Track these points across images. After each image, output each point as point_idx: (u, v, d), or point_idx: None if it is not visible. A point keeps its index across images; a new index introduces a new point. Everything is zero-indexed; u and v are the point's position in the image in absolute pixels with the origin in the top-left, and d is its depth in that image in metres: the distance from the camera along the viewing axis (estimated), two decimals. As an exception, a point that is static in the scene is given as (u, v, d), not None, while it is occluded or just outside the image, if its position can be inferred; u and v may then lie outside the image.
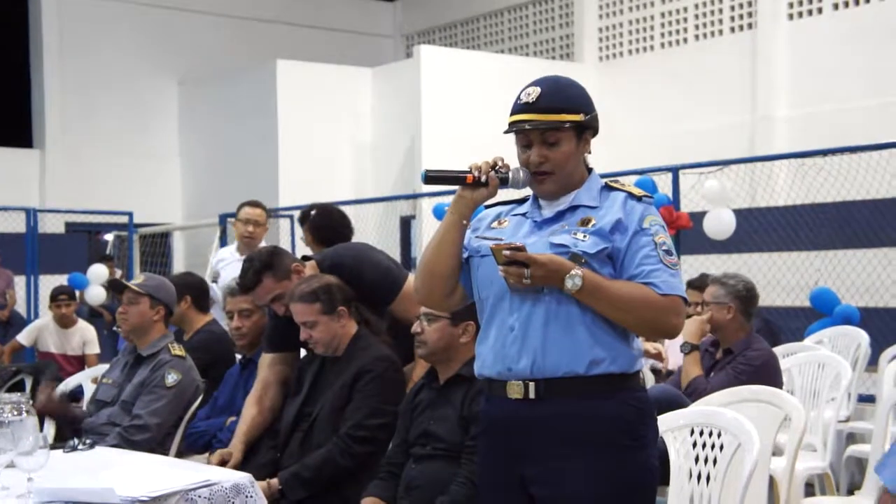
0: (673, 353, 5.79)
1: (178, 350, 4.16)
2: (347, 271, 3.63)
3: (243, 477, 2.78)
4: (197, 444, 4.05)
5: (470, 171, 2.35)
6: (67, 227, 12.93)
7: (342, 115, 13.36)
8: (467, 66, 12.91)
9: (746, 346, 4.25)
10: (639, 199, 2.35)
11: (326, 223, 4.47)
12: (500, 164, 2.36)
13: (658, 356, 5.84)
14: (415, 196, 11.16)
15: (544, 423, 2.28)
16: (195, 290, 4.85)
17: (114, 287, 4.51)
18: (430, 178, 2.36)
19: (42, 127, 13.97)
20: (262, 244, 6.00)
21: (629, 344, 2.33)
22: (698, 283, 5.61)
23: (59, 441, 3.98)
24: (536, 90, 2.33)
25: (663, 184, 7.16)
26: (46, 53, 13.96)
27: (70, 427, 4.13)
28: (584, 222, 2.32)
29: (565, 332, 2.27)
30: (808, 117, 11.00)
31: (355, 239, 9.12)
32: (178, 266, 13.73)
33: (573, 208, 2.36)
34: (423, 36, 16.46)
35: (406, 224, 12.46)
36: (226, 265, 5.86)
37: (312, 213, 4.62)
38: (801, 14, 11.60)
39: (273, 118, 13.15)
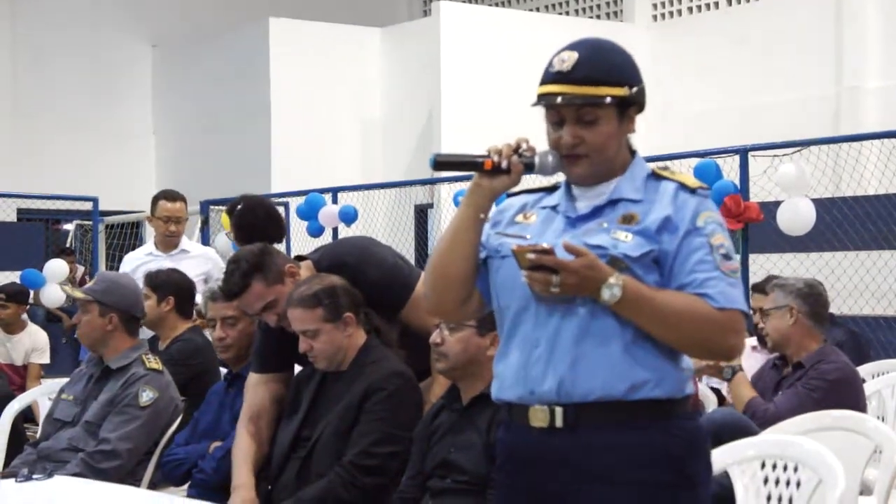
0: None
1: (153, 363, 4.19)
2: (350, 272, 3.64)
3: (230, 513, 2.80)
4: (174, 475, 4.07)
5: (488, 156, 2.33)
6: (20, 214, 13.02)
7: (347, 84, 13.38)
8: (495, 26, 12.91)
9: (819, 358, 4.24)
10: (692, 190, 2.32)
11: (249, 222, 4.48)
12: (524, 146, 2.34)
13: (716, 370, 5.77)
14: (432, 181, 11.17)
15: (574, 458, 2.28)
16: (182, 290, 4.88)
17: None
18: (440, 163, 2.36)
19: (-10, 97, 14.08)
20: (185, 240, 6.09)
21: (677, 364, 2.31)
22: (764, 287, 5.60)
23: (7, 466, 4.02)
24: (573, 56, 2.29)
25: (729, 168, 7.14)
26: (-5, 10, 14.06)
27: None
28: (627, 219, 2.29)
29: (601, 350, 2.26)
30: (905, 89, 10.93)
31: (361, 232, 9.19)
32: (151, 262, 13.79)
33: (613, 202, 2.33)
34: (442, -10, 16.44)
35: (422, 214, 12.49)
36: (146, 269, 5.82)
37: (237, 207, 4.66)
38: (896, -35, 11.52)
39: (265, 87, 13.19)
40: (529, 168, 2.34)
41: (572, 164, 2.34)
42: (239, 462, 3.65)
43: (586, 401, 2.25)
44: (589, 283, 2.21)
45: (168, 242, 6.00)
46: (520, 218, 2.42)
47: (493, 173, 2.33)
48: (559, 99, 2.29)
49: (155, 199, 6.09)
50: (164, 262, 5.69)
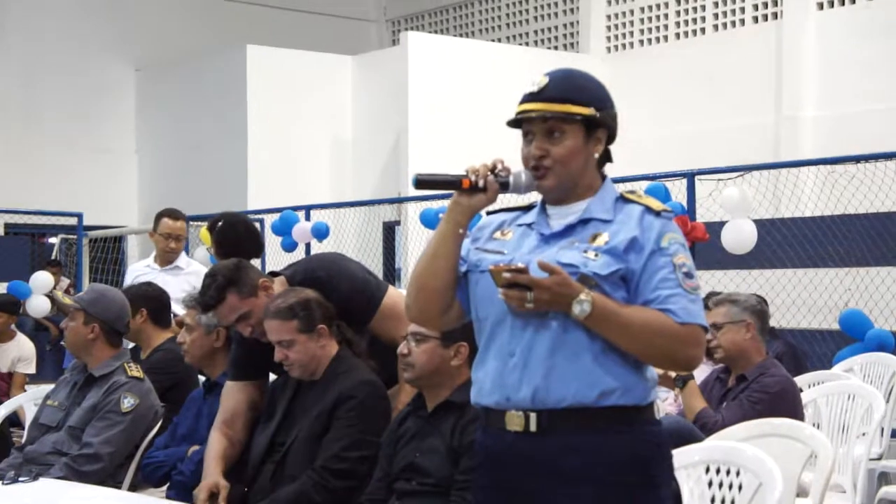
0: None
1: (135, 371, 4.17)
2: (322, 286, 3.64)
3: (207, 514, 2.79)
4: (154, 477, 4.05)
5: (466, 175, 2.37)
6: (7, 228, 12.90)
7: (319, 108, 13.37)
8: (459, 56, 12.96)
9: (761, 371, 4.25)
10: (657, 213, 2.36)
11: (230, 238, 4.52)
12: (499, 166, 2.38)
13: (668, 382, 5.82)
14: (400, 200, 11.19)
15: (546, 459, 2.30)
16: (153, 302, 4.84)
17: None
18: (422, 182, 2.38)
19: (-21, 117, 13.94)
20: (182, 257, 6.09)
21: (642, 373, 2.34)
22: (706, 302, 5.62)
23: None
24: (544, 79, 2.37)
25: (677, 191, 7.19)
26: (-15, 34, 13.95)
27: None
28: (596, 239, 2.33)
29: (572, 360, 2.29)
30: (839, 118, 11.07)
31: (333, 247, 9.17)
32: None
33: (584, 222, 2.37)
34: (410, 21, 16.51)
35: (390, 231, 12.48)
36: (143, 280, 5.87)
37: (219, 224, 4.68)
38: (831, 3, 11.69)
39: (242, 110, 13.16)
40: (504, 187, 2.37)
41: (540, 178, 2.37)
42: (209, 460, 3.65)
43: (559, 407, 2.28)
44: (561, 299, 2.24)
45: (166, 258, 5.99)
46: (498, 234, 2.45)
47: (470, 192, 2.37)
48: (532, 114, 2.35)
49: (158, 216, 6.06)
50: (159, 276, 5.75)
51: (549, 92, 2.34)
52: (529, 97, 2.36)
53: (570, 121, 2.34)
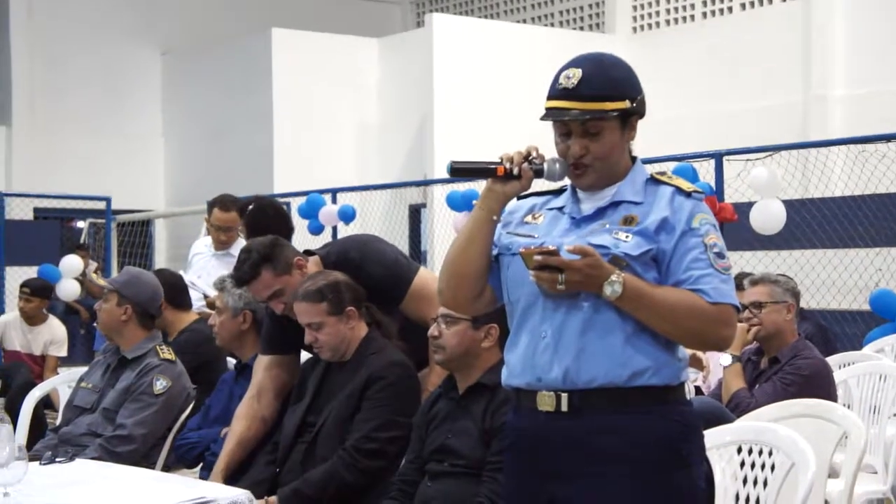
0: (716, 363, 5.78)
1: (167, 353, 4.21)
2: (353, 266, 3.67)
3: (241, 494, 2.83)
4: (187, 458, 4.10)
5: (501, 163, 2.37)
6: (36, 213, 13.00)
7: (345, 90, 13.38)
8: (485, 37, 12.92)
9: (794, 353, 4.25)
10: (688, 194, 2.36)
11: (260, 221, 4.55)
12: (534, 154, 2.38)
13: (697, 363, 5.81)
14: (426, 182, 11.19)
15: (578, 439, 2.31)
16: (168, 287, 4.86)
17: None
18: (457, 170, 2.39)
19: (8, 102, 14.02)
20: (240, 243, 6.04)
21: (674, 353, 2.35)
22: (737, 283, 5.61)
23: (29, 450, 4.02)
24: (577, 73, 2.33)
25: (705, 171, 7.17)
26: (13, 19, 14.01)
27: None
28: (627, 221, 2.33)
29: (603, 340, 2.29)
30: (869, 97, 10.97)
31: (359, 230, 9.20)
32: (160, 258, 13.80)
33: (615, 204, 2.37)
34: (435, 3, 16.46)
35: (416, 213, 12.49)
36: (199, 259, 5.93)
37: (249, 207, 4.72)
38: (861, -19, 11.55)
39: (268, 94, 13.18)
40: (538, 174, 2.38)
41: (579, 176, 2.38)
42: (221, 458, 3.74)
43: (590, 387, 2.29)
44: (592, 281, 2.24)
45: (220, 247, 5.91)
46: (529, 219, 2.45)
47: (505, 179, 2.38)
48: (567, 116, 2.33)
49: (210, 205, 5.87)
50: (211, 259, 5.82)
51: (584, 89, 2.31)
52: (563, 93, 2.32)
53: (607, 117, 2.32)
